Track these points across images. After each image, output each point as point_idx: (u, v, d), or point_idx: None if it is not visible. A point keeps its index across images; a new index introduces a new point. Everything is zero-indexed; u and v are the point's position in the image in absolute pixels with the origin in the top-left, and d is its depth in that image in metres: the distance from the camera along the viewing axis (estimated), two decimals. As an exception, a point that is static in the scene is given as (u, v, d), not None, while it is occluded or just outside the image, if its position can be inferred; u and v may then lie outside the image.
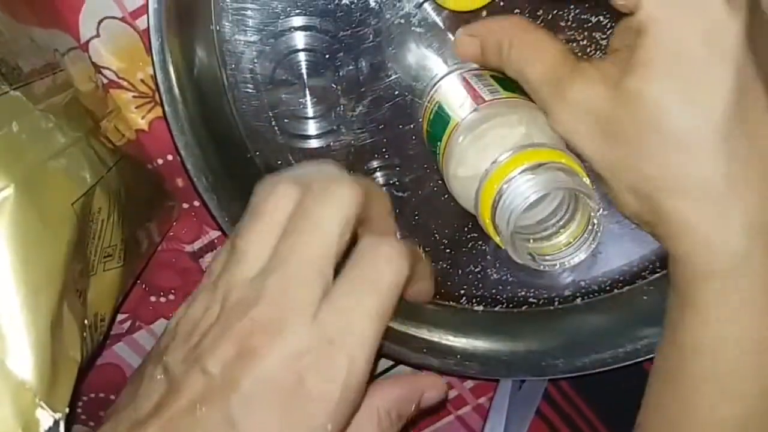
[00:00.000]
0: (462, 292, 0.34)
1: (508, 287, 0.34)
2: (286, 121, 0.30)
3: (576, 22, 0.28)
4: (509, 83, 0.29)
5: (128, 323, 0.36)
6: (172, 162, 0.32)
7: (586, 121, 0.22)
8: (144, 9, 0.28)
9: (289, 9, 0.27)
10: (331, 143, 0.30)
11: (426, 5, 0.28)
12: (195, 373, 0.19)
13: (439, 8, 0.28)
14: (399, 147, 0.30)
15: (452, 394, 0.41)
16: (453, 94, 0.27)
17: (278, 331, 0.19)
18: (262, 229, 0.21)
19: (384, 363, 0.35)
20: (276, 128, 0.30)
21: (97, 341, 0.25)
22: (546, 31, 0.24)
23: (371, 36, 0.28)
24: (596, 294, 0.34)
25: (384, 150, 0.30)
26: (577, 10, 0.28)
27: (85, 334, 0.23)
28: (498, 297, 0.34)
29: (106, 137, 0.27)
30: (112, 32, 0.29)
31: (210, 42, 0.28)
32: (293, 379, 0.19)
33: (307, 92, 0.29)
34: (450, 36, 0.28)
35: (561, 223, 0.25)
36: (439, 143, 0.27)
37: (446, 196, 0.28)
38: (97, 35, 0.29)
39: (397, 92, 0.29)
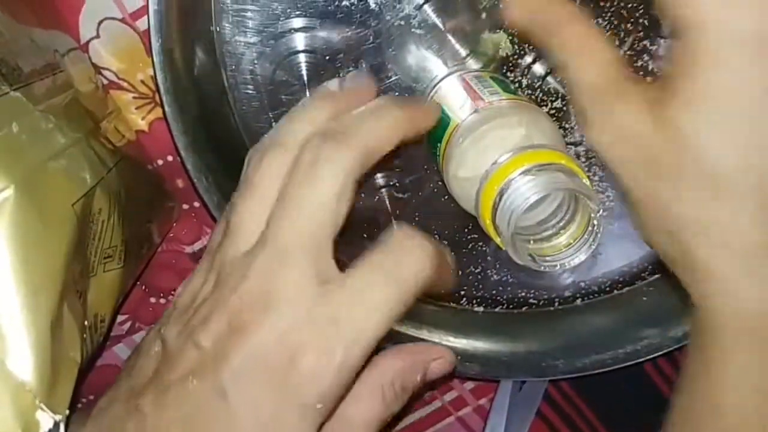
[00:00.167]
0: (462, 293, 0.34)
1: (509, 288, 0.34)
2: (286, 122, 0.30)
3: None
4: (509, 85, 0.29)
5: (128, 324, 0.36)
6: (172, 163, 0.32)
7: (627, 148, 0.20)
8: (144, 10, 0.28)
9: (289, 10, 0.27)
10: (331, 144, 0.30)
11: (426, 7, 0.28)
12: (188, 347, 0.20)
13: (439, 10, 0.28)
14: (399, 148, 0.30)
15: (452, 395, 0.41)
16: (453, 96, 0.27)
17: (267, 307, 0.19)
18: (253, 203, 0.21)
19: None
20: (276, 129, 0.30)
21: (97, 342, 0.25)
22: (604, 35, 0.21)
23: (371, 37, 0.28)
24: (596, 295, 0.34)
25: (384, 151, 0.30)
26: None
27: (85, 335, 0.23)
28: (498, 298, 0.34)
29: (106, 138, 0.27)
30: (112, 33, 0.29)
31: (210, 43, 0.28)
32: (285, 355, 0.19)
33: (308, 93, 0.29)
34: (450, 37, 0.28)
35: (561, 224, 0.25)
36: (439, 144, 0.27)
37: (446, 197, 0.28)
38: (97, 36, 0.29)
39: (397, 93, 0.29)
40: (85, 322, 0.23)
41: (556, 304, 0.34)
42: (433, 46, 0.28)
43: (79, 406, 0.21)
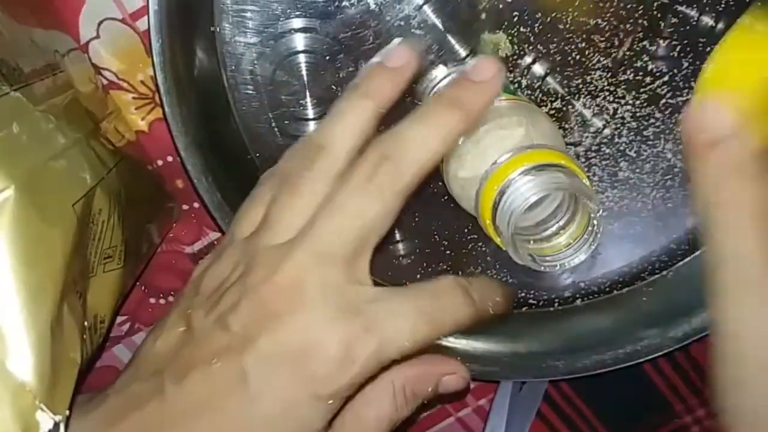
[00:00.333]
0: (462, 293, 0.34)
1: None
2: (286, 122, 0.30)
3: (574, 25, 0.28)
4: (509, 85, 0.29)
5: (127, 325, 0.36)
6: (172, 163, 0.32)
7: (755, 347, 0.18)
8: (144, 10, 0.28)
9: (289, 11, 0.27)
10: (331, 145, 0.30)
11: (425, 7, 0.28)
12: (216, 330, 0.20)
13: (438, 11, 0.28)
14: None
15: (452, 395, 0.40)
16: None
17: (299, 299, 0.20)
18: (296, 199, 0.21)
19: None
20: (276, 129, 0.30)
21: (96, 343, 0.25)
22: None
23: (371, 38, 0.28)
24: (596, 295, 0.34)
25: (384, 151, 0.30)
26: (576, 13, 0.28)
27: (84, 335, 0.23)
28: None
29: (106, 138, 0.27)
30: (112, 33, 0.29)
31: (210, 43, 0.28)
32: (309, 348, 0.19)
33: (308, 94, 0.29)
34: (449, 38, 0.28)
35: (561, 224, 0.25)
36: (439, 145, 0.27)
37: (446, 197, 0.28)
38: (97, 36, 0.29)
39: (397, 94, 0.29)
40: (85, 323, 0.23)
41: (556, 304, 0.34)
42: (432, 46, 0.28)
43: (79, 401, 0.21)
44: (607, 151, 0.31)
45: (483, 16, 0.28)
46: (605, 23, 0.28)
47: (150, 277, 0.35)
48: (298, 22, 0.28)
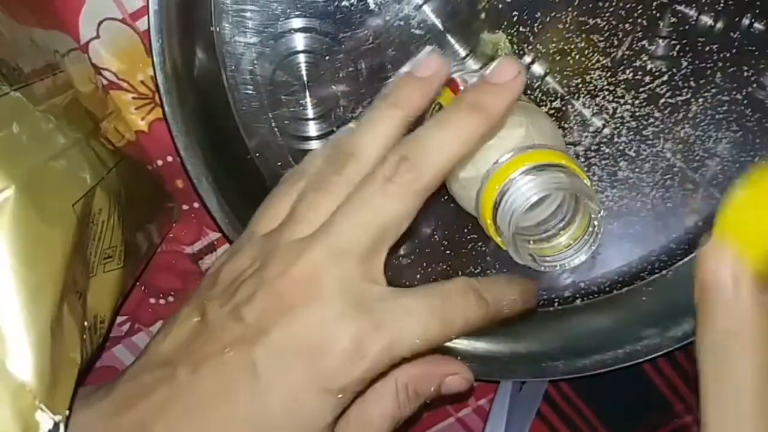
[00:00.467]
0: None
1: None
2: (286, 122, 0.30)
3: (574, 25, 0.28)
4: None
5: (127, 325, 0.36)
6: (172, 163, 0.32)
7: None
8: (144, 10, 0.28)
9: (288, 11, 0.27)
10: (331, 145, 0.30)
11: (425, 7, 0.28)
12: (230, 320, 0.20)
13: (438, 10, 0.28)
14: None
15: (452, 395, 0.40)
16: (453, 96, 0.27)
17: (314, 294, 0.20)
18: (322, 198, 0.22)
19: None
20: (276, 130, 0.30)
21: (96, 343, 0.25)
22: None
23: (371, 38, 0.28)
24: (596, 295, 0.34)
25: (384, 151, 0.30)
26: (575, 13, 0.28)
27: (84, 335, 0.23)
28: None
29: (106, 138, 0.27)
30: (112, 33, 0.29)
31: (210, 43, 0.28)
32: (321, 342, 0.20)
33: (307, 94, 0.29)
34: (449, 37, 0.28)
35: (561, 225, 0.25)
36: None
37: (446, 197, 0.28)
38: (97, 36, 0.29)
39: (396, 94, 0.29)
40: (85, 323, 0.23)
41: (556, 304, 0.34)
42: (432, 46, 0.28)
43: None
44: (607, 150, 0.31)
45: (482, 15, 0.28)
46: (604, 23, 0.28)
47: (150, 277, 0.35)
48: (297, 22, 0.28)
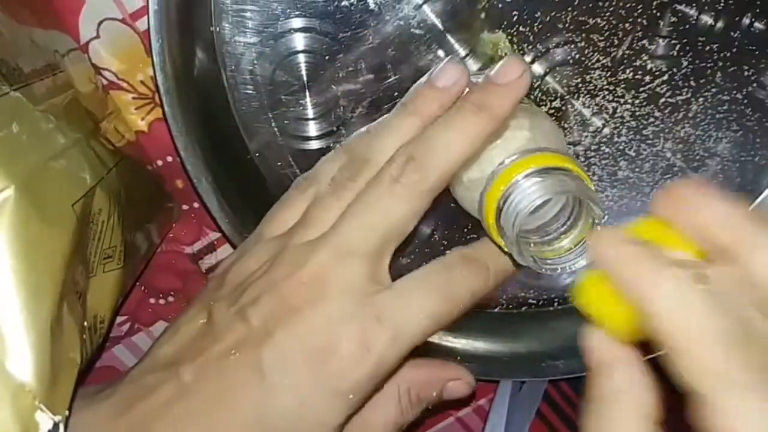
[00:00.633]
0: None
1: (508, 288, 0.34)
2: (286, 122, 0.30)
3: (573, 24, 0.28)
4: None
5: (127, 325, 0.36)
6: (171, 163, 0.32)
7: None
8: (144, 10, 0.28)
9: (288, 11, 0.27)
10: (331, 144, 0.30)
11: (425, 7, 0.28)
12: (236, 323, 0.20)
13: (438, 10, 0.28)
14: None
15: (452, 395, 0.40)
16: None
17: (319, 295, 0.20)
18: (337, 206, 0.22)
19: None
20: (276, 129, 0.30)
21: (96, 343, 0.25)
22: None
23: (371, 38, 0.28)
24: (596, 295, 0.34)
25: (384, 151, 0.30)
26: (575, 12, 0.28)
27: (84, 335, 0.23)
28: (498, 298, 0.34)
29: (106, 138, 0.27)
30: (112, 33, 0.29)
31: (210, 43, 0.28)
32: (327, 342, 0.20)
33: (307, 94, 0.29)
34: (449, 37, 0.28)
35: (563, 228, 0.25)
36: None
37: (446, 197, 0.28)
38: (97, 36, 0.29)
39: (396, 94, 0.29)
40: (85, 323, 0.23)
41: (556, 304, 0.34)
42: (432, 46, 0.28)
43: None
44: (607, 150, 0.31)
45: (482, 15, 0.28)
46: (604, 22, 0.28)
47: (150, 277, 0.35)
48: (297, 22, 0.28)
